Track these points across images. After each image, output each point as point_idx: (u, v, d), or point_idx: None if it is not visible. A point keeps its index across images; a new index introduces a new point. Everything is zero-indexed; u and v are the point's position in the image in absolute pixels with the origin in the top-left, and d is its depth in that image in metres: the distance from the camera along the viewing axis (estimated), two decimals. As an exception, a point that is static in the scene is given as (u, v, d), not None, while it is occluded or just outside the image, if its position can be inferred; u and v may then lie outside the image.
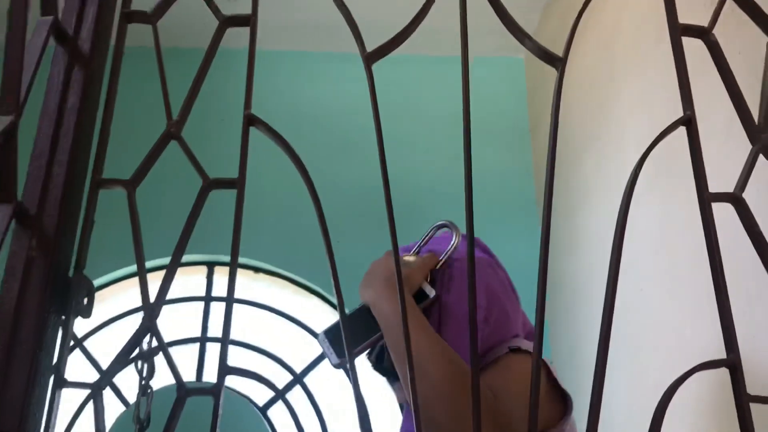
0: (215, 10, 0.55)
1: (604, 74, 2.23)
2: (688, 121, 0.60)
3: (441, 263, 1.01)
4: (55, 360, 0.46)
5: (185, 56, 1.88)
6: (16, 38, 0.45)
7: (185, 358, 2.64)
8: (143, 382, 0.68)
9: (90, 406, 0.46)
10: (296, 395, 2.61)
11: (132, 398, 0.73)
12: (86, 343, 2.47)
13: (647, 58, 1.88)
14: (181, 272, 2.82)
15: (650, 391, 1.67)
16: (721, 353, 0.53)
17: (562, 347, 2.46)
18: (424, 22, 0.58)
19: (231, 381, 2.50)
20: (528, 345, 0.98)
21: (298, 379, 2.63)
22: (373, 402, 1.73)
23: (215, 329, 2.77)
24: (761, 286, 1.18)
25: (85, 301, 0.48)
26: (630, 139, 1.99)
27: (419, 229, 1.17)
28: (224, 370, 0.43)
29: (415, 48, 3.01)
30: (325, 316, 2.80)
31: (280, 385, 2.62)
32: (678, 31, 0.57)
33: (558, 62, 0.54)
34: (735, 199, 0.58)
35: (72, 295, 0.46)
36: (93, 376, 0.48)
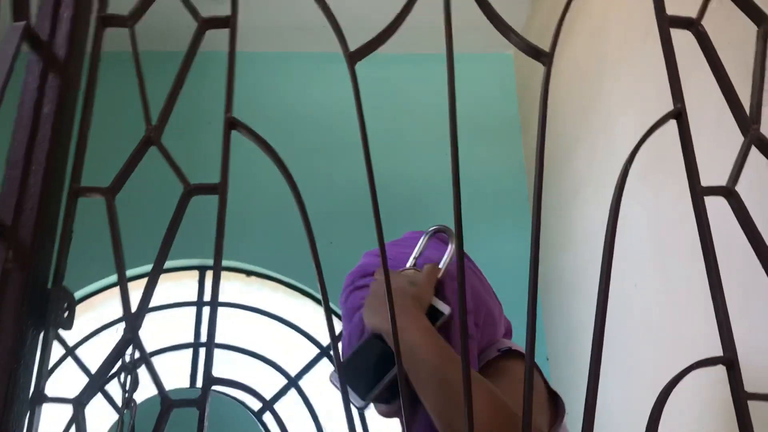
0: (193, 11, 0.54)
1: (594, 68, 2.23)
2: (679, 114, 0.59)
3: (442, 273, 0.93)
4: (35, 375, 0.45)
5: (167, 60, 1.86)
6: (-14, 45, 0.44)
7: (179, 364, 2.62)
8: (126, 396, 0.66)
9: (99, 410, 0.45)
10: (292, 399, 2.60)
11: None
12: (79, 352, 2.45)
13: (637, 51, 1.88)
14: (173, 277, 2.81)
15: (647, 388, 1.66)
16: (718, 348, 0.52)
17: (557, 343, 2.45)
18: (411, 20, 0.57)
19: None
20: (517, 345, 0.96)
21: (293, 382, 2.62)
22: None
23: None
24: (757, 280, 1.17)
25: (66, 314, 0.47)
26: (621, 133, 1.99)
27: (413, 226, 1.16)
28: (209, 381, 0.42)
29: (405, 46, 3.01)
30: (317, 317, 2.78)
31: (276, 388, 2.60)
32: (666, 22, 0.56)
33: (545, 57, 0.53)
34: (728, 192, 0.57)
35: (51, 308, 0.45)
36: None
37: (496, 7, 0.54)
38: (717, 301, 0.53)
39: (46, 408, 0.46)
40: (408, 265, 0.97)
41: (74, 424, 0.43)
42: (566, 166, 2.41)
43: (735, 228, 0.57)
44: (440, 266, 0.94)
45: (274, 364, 2.64)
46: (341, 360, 0.91)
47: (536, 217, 0.51)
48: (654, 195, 1.71)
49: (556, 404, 0.93)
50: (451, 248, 0.95)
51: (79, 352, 2.52)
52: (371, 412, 0.90)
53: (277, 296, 2.82)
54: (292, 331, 2.75)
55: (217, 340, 2.72)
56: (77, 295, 2.63)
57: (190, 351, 2.67)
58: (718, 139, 1.32)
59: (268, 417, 2.53)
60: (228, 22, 0.53)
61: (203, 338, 2.69)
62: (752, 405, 0.49)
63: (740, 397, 0.48)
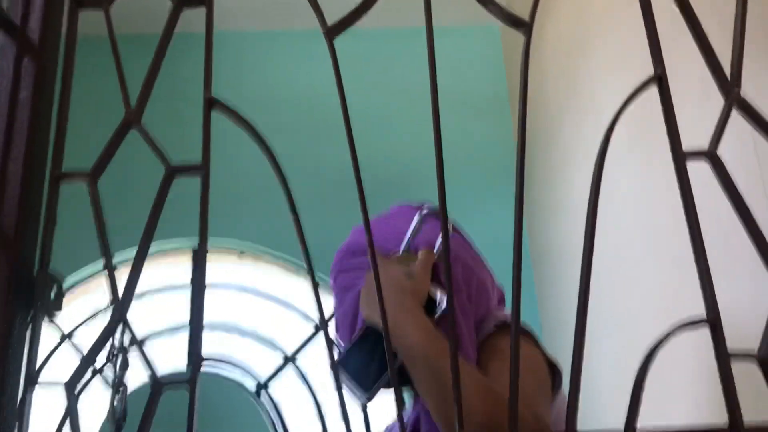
0: (168, -9, 0.53)
1: (578, 37, 2.22)
2: (659, 79, 0.59)
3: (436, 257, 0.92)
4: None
5: (147, 44, 1.84)
6: (-42, 31, 0.43)
7: (178, 347, 2.63)
8: (116, 378, 0.67)
9: (92, 401, 0.45)
10: (290, 376, 2.62)
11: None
12: (78, 340, 2.45)
13: (620, 19, 1.87)
14: (167, 259, 2.81)
15: (637, 353, 1.68)
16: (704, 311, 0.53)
17: (549, 314, 2.48)
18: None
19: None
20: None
21: (289, 360, 2.64)
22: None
23: (207, 314, 2.76)
24: (742, 243, 1.18)
25: (54, 298, 0.47)
26: (606, 101, 1.99)
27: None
28: (198, 359, 0.43)
29: (389, 20, 2.98)
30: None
31: (274, 365, 2.62)
32: (644, -13, 0.56)
33: (523, 27, 0.53)
34: (709, 155, 0.58)
35: (38, 293, 0.45)
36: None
37: (475, -23, 0.54)
38: (700, 264, 0.54)
39: (45, 396, 0.46)
40: (402, 248, 0.96)
41: (66, 406, 0.43)
42: (555, 135, 2.41)
43: (720, 192, 0.58)
44: (434, 251, 0.93)
45: (271, 341, 2.65)
46: (340, 351, 0.92)
47: (519, 190, 0.51)
48: (642, 162, 1.72)
49: (553, 374, 0.94)
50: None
51: (78, 340, 2.53)
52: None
53: (272, 273, 2.83)
54: (287, 309, 2.76)
55: (213, 320, 2.73)
56: (71, 280, 2.62)
57: (187, 334, 2.68)
58: (702, 105, 1.32)
59: (265, 397, 2.55)
60: (203, 1, 0.53)
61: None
62: (738, 365, 0.50)
63: (723, 358, 0.49)
